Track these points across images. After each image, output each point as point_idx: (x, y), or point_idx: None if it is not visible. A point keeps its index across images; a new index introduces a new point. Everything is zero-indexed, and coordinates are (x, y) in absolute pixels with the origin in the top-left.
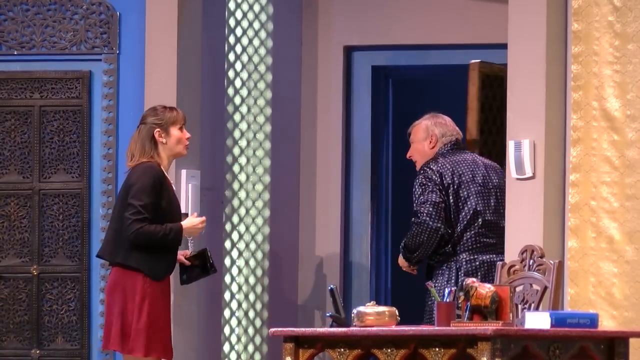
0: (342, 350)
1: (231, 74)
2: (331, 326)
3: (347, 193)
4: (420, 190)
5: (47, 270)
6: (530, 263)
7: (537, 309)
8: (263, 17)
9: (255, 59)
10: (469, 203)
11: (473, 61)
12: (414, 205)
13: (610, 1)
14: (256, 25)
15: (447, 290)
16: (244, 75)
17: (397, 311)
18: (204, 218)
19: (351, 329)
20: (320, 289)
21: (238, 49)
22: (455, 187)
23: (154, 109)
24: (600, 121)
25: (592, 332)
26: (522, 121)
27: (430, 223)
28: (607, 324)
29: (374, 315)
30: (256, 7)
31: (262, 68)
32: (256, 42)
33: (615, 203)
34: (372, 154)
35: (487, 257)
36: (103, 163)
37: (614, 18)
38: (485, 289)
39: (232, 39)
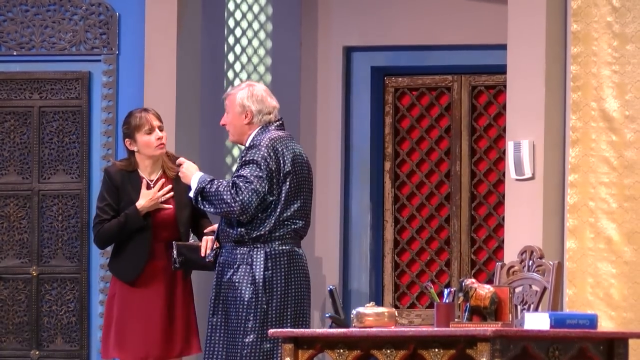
0: (341, 351)
1: (230, 74)
2: (330, 327)
3: (346, 193)
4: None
5: (46, 271)
6: (530, 264)
7: (536, 309)
8: (262, 17)
9: (255, 59)
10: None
11: None
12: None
13: (609, 2)
14: (255, 26)
15: (446, 291)
16: (243, 76)
17: (396, 312)
18: (158, 186)
19: (350, 329)
20: (319, 289)
21: (237, 49)
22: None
23: (127, 115)
24: (599, 122)
25: (592, 333)
26: (521, 122)
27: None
28: (606, 324)
29: (373, 316)
30: (255, 8)
31: (261, 69)
32: (255, 42)
33: (613, 204)
34: (372, 154)
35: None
36: (102, 164)
37: (612, 19)
38: (485, 290)
39: (231, 40)
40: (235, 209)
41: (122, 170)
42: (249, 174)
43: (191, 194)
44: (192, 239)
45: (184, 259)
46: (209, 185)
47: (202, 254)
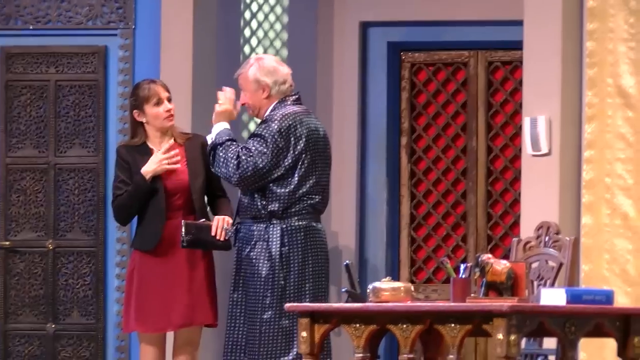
0: (358, 325)
1: (247, 49)
2: (347, 302)
3: (362, 168)
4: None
5: (62, 245)
6: (546, 240)
7: (552, 285)
8: None
9: (271, 34)
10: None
11: None
12: None
13: None
14: (272, 0)
15: (463, 266)
16: (260, 50)
17: (412, 287)
18: (164, 149)
19: (367, 304)
20: (335, 264)
21: (254, 24)
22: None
23: (135, 86)
24: (615, 98)
25: (608, 309)
26: (537, 98)
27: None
28: (621, 300)
29: (389, 291)
30: None
31: (277, 44)
32: (272, 17)
33: (629, 180)
34: (388, 130)
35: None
36: (119, 138)
37: None
38: (501, 265)
39: (247, 14)
40: (233, 180)
41: (131, 145)
42: (253, 148)
43: (209, 140)
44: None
45: (191, 238)
46: (220, 148)
47: (213, 233)
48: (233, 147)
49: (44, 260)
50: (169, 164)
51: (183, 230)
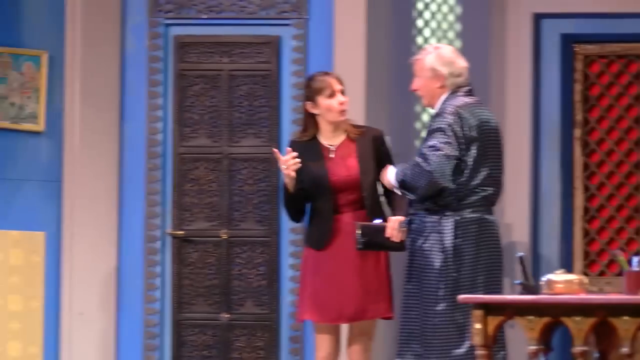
0: (532, 317)
1: (420, 40)
2: (520, 294)
3: (536, 160)
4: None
5: (236, 235)
6: None
7: None
8: None
9: (444, 25)
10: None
11: None
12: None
13: None
14: None
15: (636, 259)
16: (433, 41)
17: (586, 279)
18: (284, 158)
19: (540, 296)
20: (509, 256)
21: (427, 15)
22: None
23: (309, 77)
24: None
25: None
26: None
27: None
28: None
29: (563, 283)
30: None
31: (450, 35)
32: (445, 8)
33: None
34: (561, 122)
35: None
36: (292, 128)
37: None
38: None
39: (420, 5)
40: (430, 178)
41: (300, 142)
42: (437, 142)
43: (393, 187)
44: (377, 220)
45: (367, 240)
46: (401, 175)
47: (388, 234)
48: (410, 162)
49: (217, 250)
50: (284, 170)
51: (359, 232)
